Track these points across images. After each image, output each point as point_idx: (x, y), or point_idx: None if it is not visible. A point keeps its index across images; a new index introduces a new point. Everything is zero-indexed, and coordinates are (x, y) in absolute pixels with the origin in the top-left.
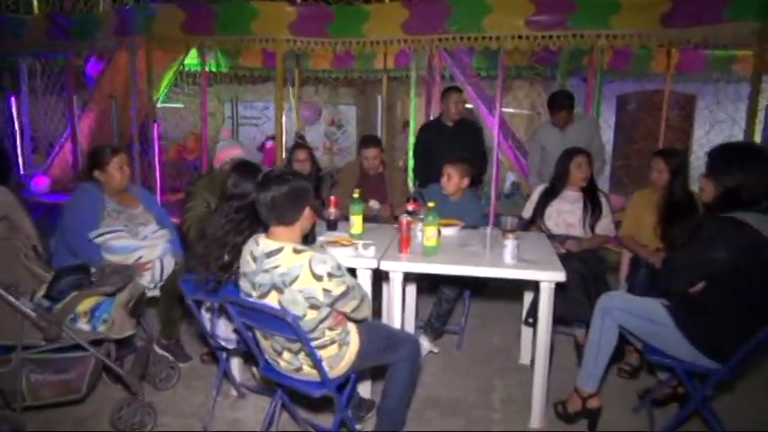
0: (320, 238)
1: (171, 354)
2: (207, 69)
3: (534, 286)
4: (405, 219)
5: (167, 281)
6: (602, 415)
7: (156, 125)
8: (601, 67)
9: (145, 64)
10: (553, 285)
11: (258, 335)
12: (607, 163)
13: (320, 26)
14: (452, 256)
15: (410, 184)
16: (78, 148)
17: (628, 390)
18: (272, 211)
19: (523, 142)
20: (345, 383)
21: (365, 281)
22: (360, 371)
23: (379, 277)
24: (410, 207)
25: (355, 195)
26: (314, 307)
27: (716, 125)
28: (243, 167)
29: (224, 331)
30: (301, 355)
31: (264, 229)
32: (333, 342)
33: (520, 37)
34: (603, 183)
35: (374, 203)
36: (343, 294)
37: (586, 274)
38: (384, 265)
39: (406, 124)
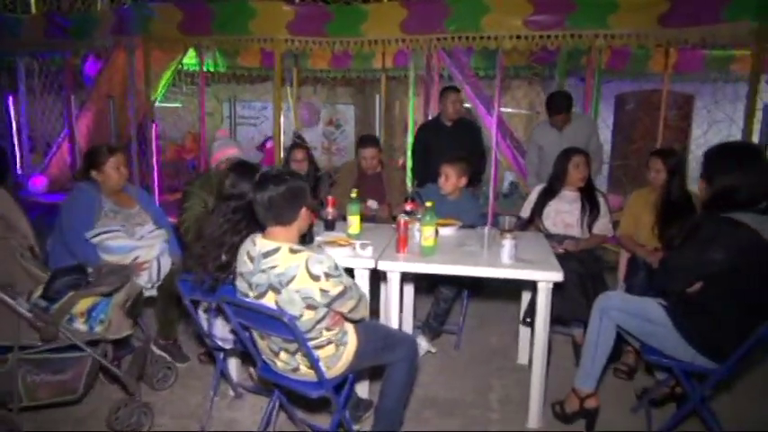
0: (318, 238)
1: (168, 354)
2: (205, 69)
3: (532, 286)
4: (402, 219)
5: (165, 281)
6: (599, 415)
7: (153, 125)
8: (599, 66)
9: (143, 63)
10: (551, 285)
11: (255, 335)
12: (605, 163)
13: (318, 26)
14: (450, 255)
15: (409, 183)
16: (76, 148)
17: (625, 390)
18: (269, 211)
19: (522, 142)
20: (343, 384)
21: (363, 281)
22: (357, 371)
23: (377, 277)
24: (408, 207)
25: (353, 195)
26: (311, 307)
27: (714, 125)
28: (240, 167)
29: (221, 331)
30: (298, 356)
31: (261, 229)
32: (330, 342)
33: (518, 37)
34: (602, 182)
35: (372, 203)
36: (341, 294)
37: (584, 274)
38: (381, 266)
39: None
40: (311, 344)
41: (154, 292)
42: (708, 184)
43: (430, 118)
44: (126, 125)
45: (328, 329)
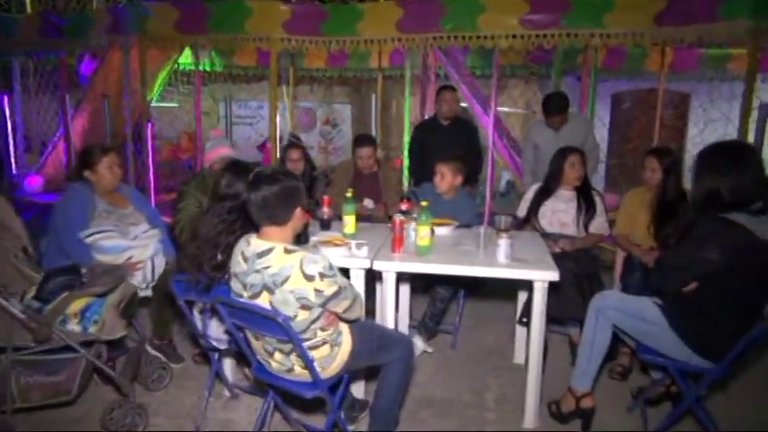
0: (313, 238)
1: (163, 354)
2: (201, 68)
3: (528, 286)
4: (398, 218)
5: (159, 281)
6: (595, 414)
7: (149, 124)
8: (595, 65)
9: (138, 63)
10: (546, 285)
11: (249, 335)
12: (601, 162)
13: (314, 25)
14: (446, 255)
15: (406, 183)
16: (71, 148)
17: (621, 389)
18: (263, 210)
19: (518, 141)
20: (338, 384)
21: (358, 281)
22: (353, 371)
23: (373, 277)
24: (404, 206)
25: (348, 195)
26: (305, 307)
27: (710, 124)
28: (236, 167)
29: (216, 332)
30: (293, 356)
31: (256, 229)
32: (325, 342)
33: (514, 36)
34: (598, 181)
35: (368, 202)
36: (335, 294)
37: (580, 274)
38: (377, 265)
39: None
40: (306, 344)
41: (148, 293)
42: (694, 185)
43: (426, 117)
44: (122, 125)
45: (323, 330)
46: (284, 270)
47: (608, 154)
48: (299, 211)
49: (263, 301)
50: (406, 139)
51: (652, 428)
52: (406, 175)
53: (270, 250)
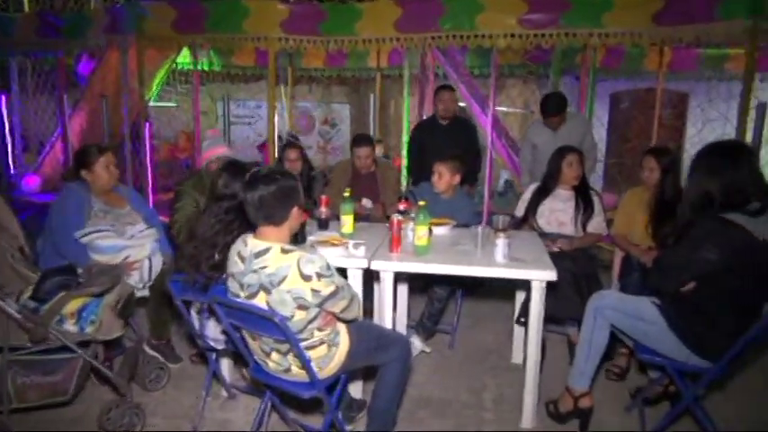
0: (311, 238)
1: (161, 354)
2: (199, 68)
3: (526, 285)
4: (396, 218)
5: (156, 280)
6: (593, 414)
7: (147, 124)
8: (593, 65)
9: (136, 63)
10: (544, 284)
11: (246, 336)
12: (599, 161)
13: (312, 24)
14: (443, 255)
15: (404, 183)
16: (69, 148)
17: (619, 389)
18: (260, 210)
19: (517, 141)
20: (335, 384)
21: (356, 281)
22: (350, 371)
23: (371, 276)
24: (402, 206)
25: (346, 194)
26: (302, 307)
27: (708, 123)
28: (233, 167)
29: (213, 332)
30: (290, 356)
31: (253, 229)
32: (322, 343)
33: (512, 35)
34: (596, 181)
35: (366, 202)
36: (332, 294)
37: (578, 273)
38: (375, 265)
39: None
40: (303, 344)
41: (146, 292)
42: (688, 184)
43: (425, 117)
44: (120, 124)
45: (320, 330)
46: (281, 270)
47: (606, 153)
48: (295, 210)
49: (260, 301)
50: (405, 138)
51: (650, 428)
52: (404, 174)
53: (267, 250)
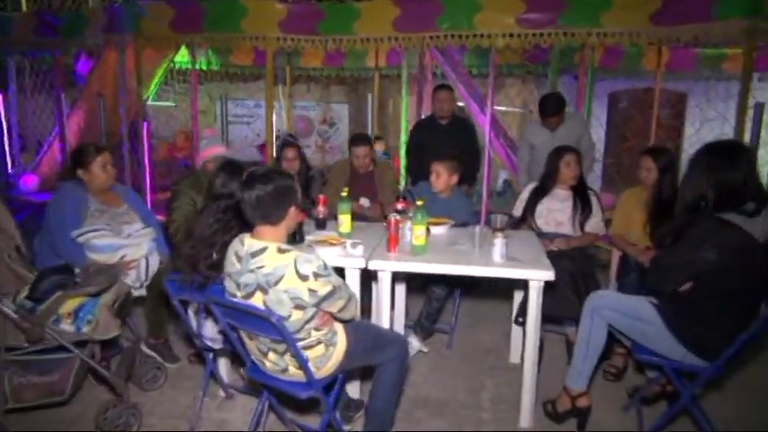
0: (308, 237)
1: (159, 354)
2: (197, 67)
3: (524, 285)
4: (393, 217)
5: (154, 280)
6: (591, 414)
7: (145, 123)
8: (592, 64)
9: (134, 62)
10: (542, 284)
11: (243, 335)
12: (598, 161)
13: (311, 24)
14: (441, 254)
15: (403, 182)
16: (67, 147)
17: (617, 389)
18: (257, 210)
19: (515, 140)
20: (333, 384)
21: (353, 280)
22: (347, 371)
23: (369, 276)
24: (399, 206)
25: (343, 194)
26: (299, 307)
27: (706, 123)
28: (231, 167)
29: (210, 331)
30: (287, 356)
31: (250, 228)
32: (319, 342)
33: (511, 35)
34: (595, 180)
35: (364, 201)
36: (330, 294)
37: (576, 273)
38: (372, 265)
39: None
40: (300, 344)
41: (143, 292)
42: (683, 183)
43: (423, 117)
44: (118, 124)
45: (317, 329)
46: (278, 270)
47: (605, 153)
48: (293, 210)
49: (257, 300)
50: (403, 138)
51: (647, 428)
52: (403, 174)
53: (263, 250)
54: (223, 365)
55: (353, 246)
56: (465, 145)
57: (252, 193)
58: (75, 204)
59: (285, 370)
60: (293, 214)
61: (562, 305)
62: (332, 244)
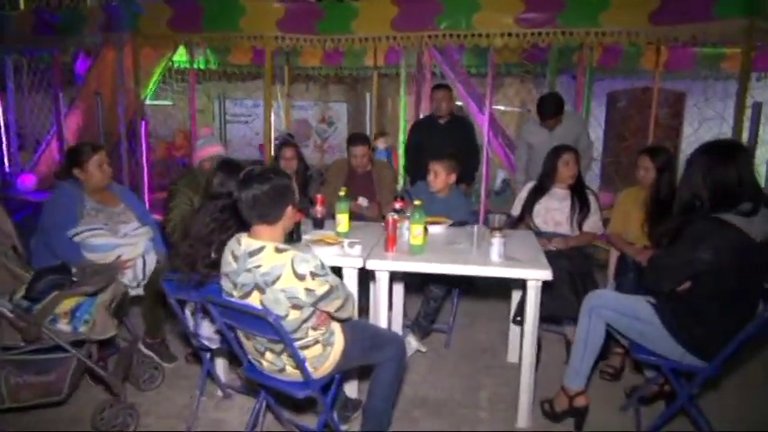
0: (306, 237)
1: (156, 353)
2: (196, 66)
3: (522, 285)
4: (391, 217)
5: (151, 279)
6: (588, 413)
7: (143, 123)
8: (590, 64)
9: (132, 61)
10: (540, 284)
11: (240, 335)
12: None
13: (309, 23)
14: (439, 254)
15: (401, 182)
16: (65, 146)
17: (615, 388)
18: (254, 209)
19: (513, 140)
20: (330, 384)
21: (351, 280)
22: (345, 371)
23: (367, 275)
24: (397, 205)
25: (341, 193)
26: (296, 307)
27: (705, 122)
28: (228, 166)
29: (207, 331)
30: (284, 356)
31: (247, 227)
32: (317, 342)
33: (509, 34)
34: (593, 180)
35: (362, 200)
36: (327, 294)
37: (574, 272)
38: (370, 264)
39: None
40: (297, 344)
41: (140, 291)
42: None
43: (422, 116)
44: (116, 123)
45: (315, 329)
46: (275, 269)
47: (603, 153)
48: (290, 209)
49: (254, 300)
50: (402, 138)
51: (645, 427)
52: (401, 173)
53: (260, 249)
54: (220, 365)
55: (351, 245)
56: (464, 144)
57: (249, 192)
58: (71, 204)
59: (282, 370)
60: (290, 214)
61: (560, 305)
62: (329, 243)
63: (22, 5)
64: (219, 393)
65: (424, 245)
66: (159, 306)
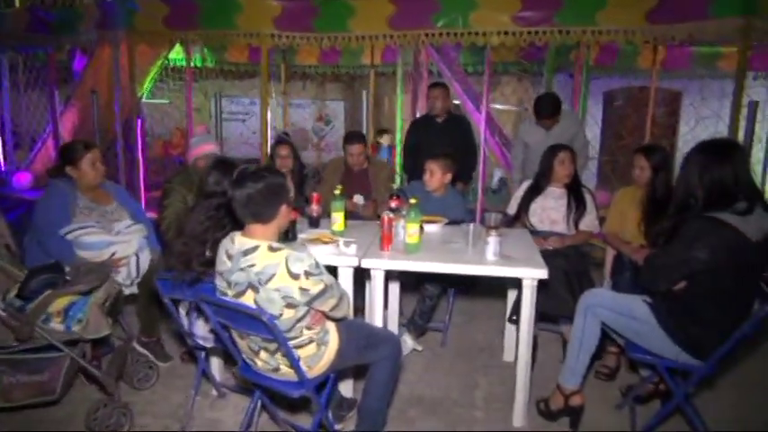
0: (301, 236)
1: (151, 352)
2: (192, 64)
3: (518, 283)
4: (386, 216)
5: (145, 277)
6: (584, 412)
7: (139, 121)
8: (587, 63)
9: (127, 59)
10: (535, 282)
11: (235, 334)
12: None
13: (305, 21)
14: (434, 253)
15: (398, 180)
16: (61, 144)
17: (610, 387)
18: (248, 208)
19: (510, 138)
20: (325, 383)
21: (346, 279)
22: (340, 370)
23: (363, 274)
24: (393, 204)
25: (336, 192)
26: (291, 306)
27: (701, 121)
28: (223, 165)
29: (202, 330)
30: (278, 355)
31: (241, 226)
32: (311, 341)
33: (506, 33)
34: (590, 178)
35: (358, 198)
36: (321, 293)
37: (570, 271)
38: (365, 263)
39: None
40: (292, 343)
41: (134, 289)
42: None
43: (418, 114)
44: (112, 121)
45: (309, 328)
46: (269, 268)
47: (600, 151)
48: (284, 208)
49: (248, 299)
50: (398, 136)
51: (641, 426)
52: (398, 172)
53: (254, 248)
54: (215, 364)
55: (346, 244)
56: (461, 143)
57: (242, 191)
58: (63, 202)
59: (277, 369)
60: (284, 213)
61: (556, 303)
62: (325, 242)
63: (17, 3)
64: (214, 393)
65: (420, 244)
66: (154, 305)
